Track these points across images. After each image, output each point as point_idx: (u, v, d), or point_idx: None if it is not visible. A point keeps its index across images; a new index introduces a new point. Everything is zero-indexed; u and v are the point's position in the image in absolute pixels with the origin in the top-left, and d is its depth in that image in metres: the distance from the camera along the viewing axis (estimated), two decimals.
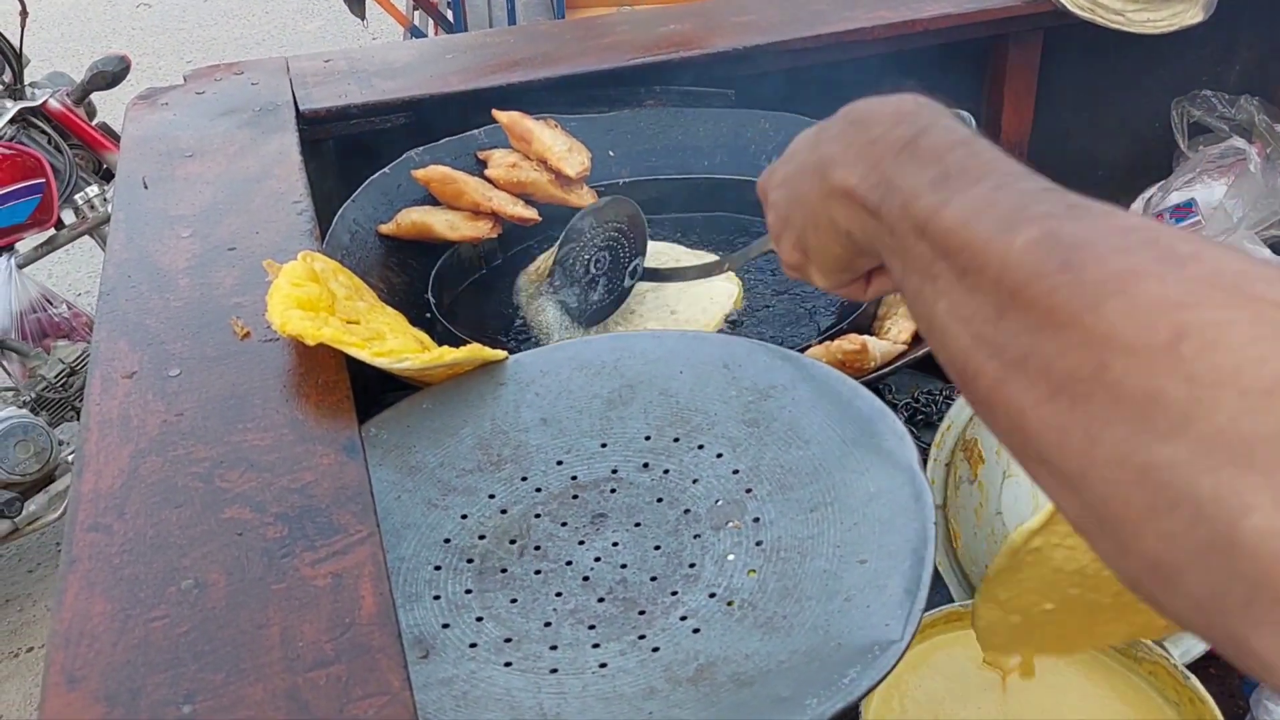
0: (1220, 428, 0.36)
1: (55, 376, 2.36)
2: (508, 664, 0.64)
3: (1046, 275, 0.44)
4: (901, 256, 0.55)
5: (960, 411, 1.22)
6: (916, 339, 1.04)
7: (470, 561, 0.72)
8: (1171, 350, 0.38)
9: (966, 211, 0.50)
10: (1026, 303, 0.45)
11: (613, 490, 0.76)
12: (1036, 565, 0.84)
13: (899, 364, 1.02)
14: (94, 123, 2.44)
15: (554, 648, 0.65)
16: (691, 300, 1.16)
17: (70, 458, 2.31)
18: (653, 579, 0.69)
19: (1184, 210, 1.61)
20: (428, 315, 1.10)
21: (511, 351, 0.87)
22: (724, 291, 1.17)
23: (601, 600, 0.68)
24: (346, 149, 1.30)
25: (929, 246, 0.52)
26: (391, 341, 0.83)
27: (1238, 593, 0.36)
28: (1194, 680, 0.94)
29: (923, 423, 1.28)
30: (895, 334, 1.04)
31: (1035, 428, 0.45)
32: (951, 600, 1.13)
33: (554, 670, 0.63)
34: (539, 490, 0.77)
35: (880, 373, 1.00)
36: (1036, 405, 0.44)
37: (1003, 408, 0.47)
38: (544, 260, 1.22)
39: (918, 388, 1.39)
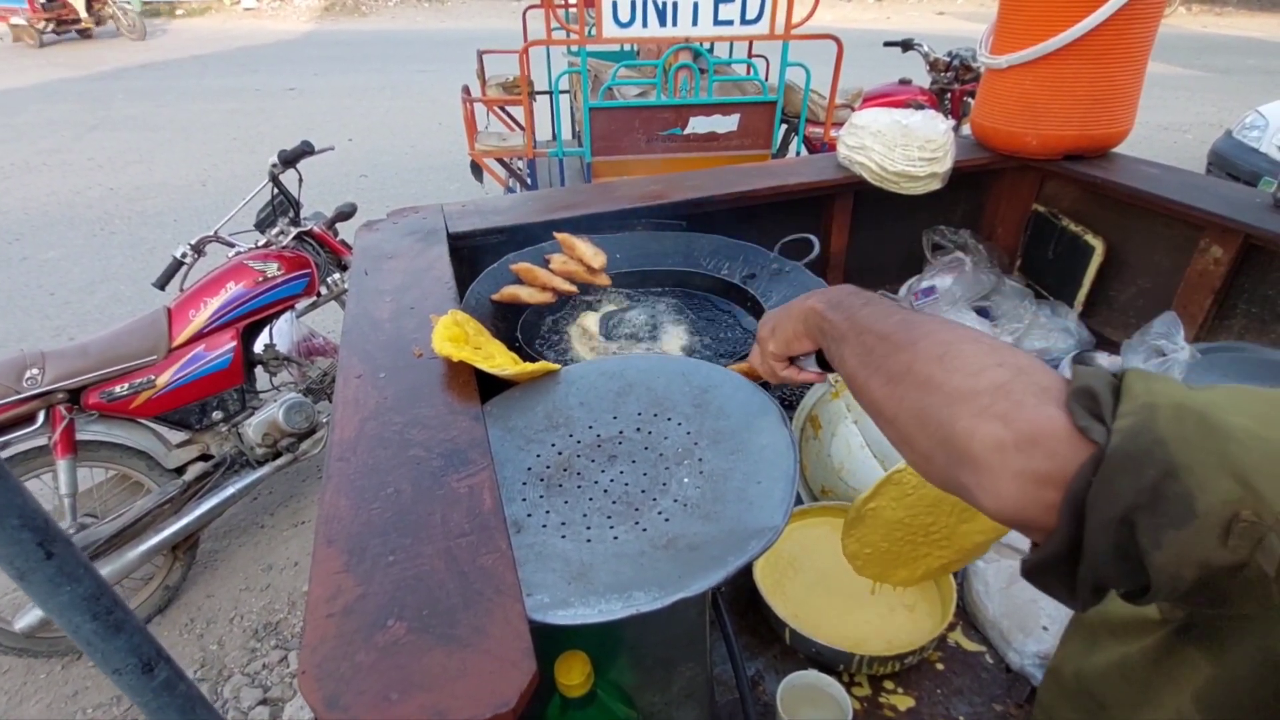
0: (954, 388, 0.44)
1: (316, 377, 2.36)
2: (563, 536, 0.64)
3: (897, 332, 0.52)
4: (832, 333, 0.61)
5: (808, 400, 1.23)
6: None
7: (541, 480, 0.71)
8: (940, 359, 0.46)
9: (871, 312, 0.58)
10: (886, 344, 0.52)
11: (619, 443, 0.75)
12: (873, 518, 0.85)
13: None
14: (337, 239, 2.44)
15: (588, 528, 0.65)
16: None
17: (325, 420, 2.33)
18: (642, 491, 0.69)
19: (929, 291, 1.63)
20: (517, 344, 1.10)
21: (563, 365, 0.87)
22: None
23: (614, 502, 0.68)
24: (474, 253, 1.31)
25: (850, 326, 0.58)
26: (499, 359, 0.83)
27: (954, 459, 0.43)
28: None
29: (788, 406, 1.28)
30: None
31: (878, 397, 0.52)
32: (802, 503, 1.14)
33: (589, 540, 0.63)
34: (579, 442, 0.76)
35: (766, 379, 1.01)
36: (880, 387, 0.51)
37: (867, 392, 0.53)
38: (583, 319, 1.23)
39: (787, 387, 1.40)
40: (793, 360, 0.75)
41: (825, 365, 0.73)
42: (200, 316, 2.08)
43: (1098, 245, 1.53)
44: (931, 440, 0.44)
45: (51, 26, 11.62)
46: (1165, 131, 7.07)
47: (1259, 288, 1.32)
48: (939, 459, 0.44)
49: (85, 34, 12.12)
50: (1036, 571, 0.40)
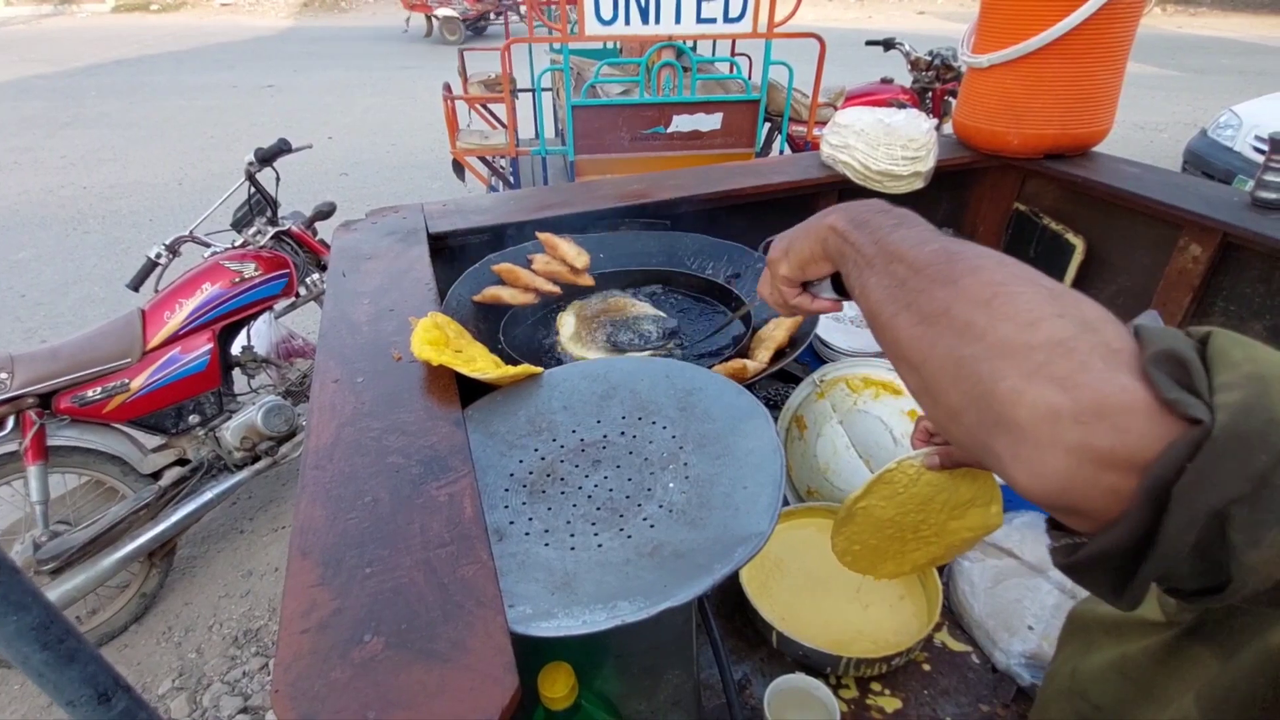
0: (1001, 338, 0.38)
1: (296, 379, 2.32)
2: (546, 544, 0.62)
3: (938, 263, 0.46)
4: (854, 258, 0.56)
5: (793, 400, 1.23)
6: (772, 362, 1.04)
7: (524, 486, 0.70)
8: (987, 303, 0.40)
9: (903, 237, 0.51)
10: (921, 276, 0.47)
11: (603, 447, 0.74)
12: (864, 516, 0.84)
13: (761, 375, 1.02)
14: (316, 239, 2.41)
15: (572, 535, 0.63)
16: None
17: (305, 423, 2.31)
18: (627, 497, 0.67)
19: None
20: (499, 347, 1.09)
21: (546, 368, 0.86)
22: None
23: (599, 509, 0.66)
24: (454, 253, 1.28)
25: (878, 251, 0.53)
26: (480, 362, 0.81)
27: (990, 421, 0.38)
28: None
29: (773, 407, 1.28)
30: (761, 359, 1.04)
31: (905, 338, 0.46)
32: (788, 504, 1.13)
33: (572, 548, 0.62)
34: (562, 447, 0.75)
35: (752, 380, 1.00)
36: (909, 327, 0.45)
37: (890, 330, 0.48)
38: (564, 316, 1.21)
39: (772, 388, 1.40)
40: (806, 287, 0.69)
41: (842, 290, 0.67)
42: (176, 318, 2.04)
43: (1078, 244, 1.54)
44: (965, 396, 0.39)
45: (485, 19, 10.78)
46: (1142, 131, 7.18)
47: (1236, 285, 1.33)
48: (969, 417, 0.39)
49: (480, 32, 11.45)
50: (1085, 565, 0.35)
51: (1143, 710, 0.53)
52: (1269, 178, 1.25)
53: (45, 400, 1.87)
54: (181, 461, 2.16)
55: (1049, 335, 0.35)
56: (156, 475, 2.11)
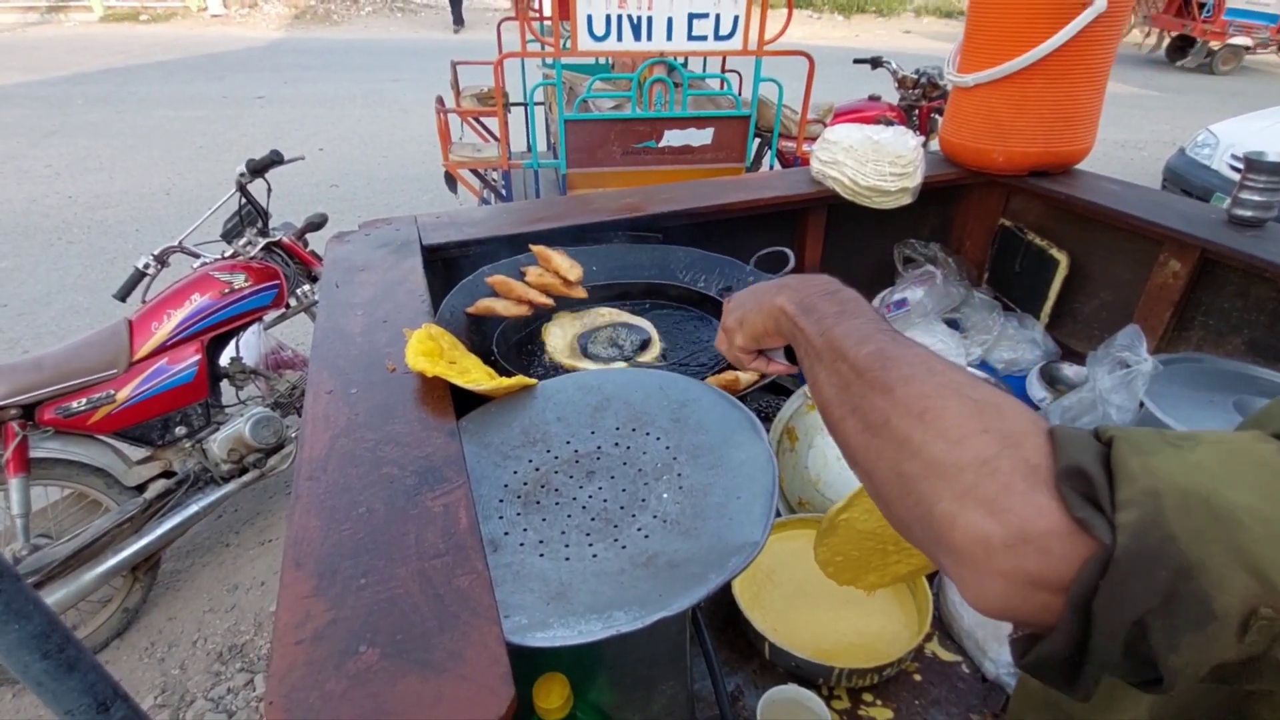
0: (933, 457, 0.40)
1: (285, 390, 2.31)
2: (541, 555, 0.63)
3: (873, 369, 0.47)
4: (804, 345, 0.57)
5: (784, 412, 1.23)
6: (764, 375, 1.05)
7: (518, 497, 0.70)
8: (920, 416, 0.42)
9: (845, 331, 0.52)
10: (862, 380, 0.48)
11: (597, 458, 0.74)
12: (845, 529, 0.85)
13: (753, 387, 1.03)
14: (307, 250, 2.40)
15: (567, 545, 0.64)
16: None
17: (293, 435, 2.27)
18: (621, 507, 0.68)
19: (901, 303, 1.65)
20: (492, 358, 1.09)
21: (540, 379, 0.86)
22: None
23: (593, 519, 0.67)
24: (448, 265, 1.29)
25: (824, 344, 0.53)
26: (474, 374, 0.82)
27: (933, 540, 0.40)
28: None
29: (765, 418, 1.28)
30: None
31: (854, 444, 0.47)
32: (779, 515, 1.14)
33: (567, 559, 0.62)
34: (556, 457, 0.75)
35: (745, 392, 1.01)
36: (856, 434, 0.47)
37: (841, 432, 0.49)
38: (551, 327, 1.22)
39: (763, 399, 1.41)
40: (761, 351, 0.72)
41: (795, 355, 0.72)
42: (163, 329, 2.02)
43: (1062, 259, 1.57)
44: (910, 512, 0.41)
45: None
46: (1123, 149, 7.32)
47: (1215, 300, 1.36)
48: (917, 533, 0.41)
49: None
50: (1034, 668, 0.37)
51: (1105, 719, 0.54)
52: (1245, 195, 1.29)
53: (28, 411, 1.84)
54: (167, 474, 2.13)
55: (975, 454, 0.38)
56: (141, 488, 2.08)
